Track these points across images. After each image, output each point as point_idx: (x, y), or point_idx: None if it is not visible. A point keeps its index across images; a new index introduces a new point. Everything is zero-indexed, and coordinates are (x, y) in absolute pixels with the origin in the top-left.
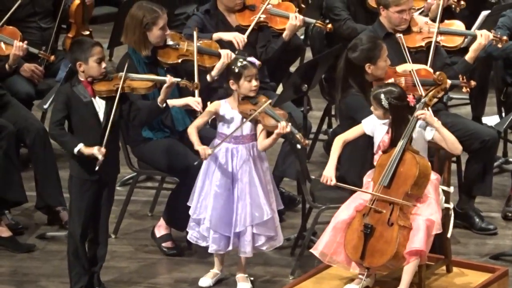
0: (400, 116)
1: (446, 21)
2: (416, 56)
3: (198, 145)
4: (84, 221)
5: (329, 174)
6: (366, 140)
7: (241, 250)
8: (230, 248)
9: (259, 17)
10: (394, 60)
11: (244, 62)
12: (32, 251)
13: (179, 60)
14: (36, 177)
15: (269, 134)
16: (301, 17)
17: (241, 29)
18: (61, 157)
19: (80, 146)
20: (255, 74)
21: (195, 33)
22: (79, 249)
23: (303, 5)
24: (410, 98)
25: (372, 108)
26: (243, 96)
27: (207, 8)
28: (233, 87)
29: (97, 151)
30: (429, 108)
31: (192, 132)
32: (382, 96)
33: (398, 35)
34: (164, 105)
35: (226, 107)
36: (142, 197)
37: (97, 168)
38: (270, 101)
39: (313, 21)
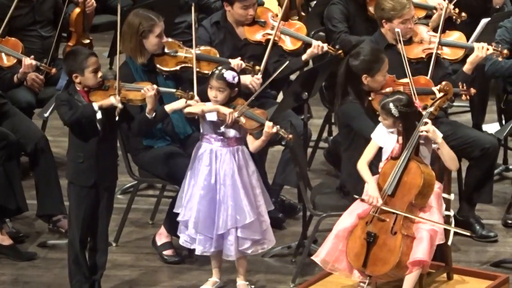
0: (410, 122)
1: (447, 32)
2: (416, 66)
3: (223, 109)
4: (83, 228)
5: (376, 194)
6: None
7: (225, 253)
8: (213, 249)
9: (270, 35)
10: (394, 71)
11: (216, 72)
12: (33, 259)
13: (178, 67)
14: (36, 186)
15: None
16: (324, 46)
17: (248, 43)
18: (62, 165)
19: (97, 104)
20: (219, 87)
21: (193, 40)
22: (79, 257)
23: (303, 13)
24: (417, 103)
25: (380, 119)
26: None
27: (217, 20)
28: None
29: (114, 99)
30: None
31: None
32: (391, 105)
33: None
34: (154, 115)
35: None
36: (143, 205)
37: (117, 117)
38: (246, 103)
39: (329, 51)
